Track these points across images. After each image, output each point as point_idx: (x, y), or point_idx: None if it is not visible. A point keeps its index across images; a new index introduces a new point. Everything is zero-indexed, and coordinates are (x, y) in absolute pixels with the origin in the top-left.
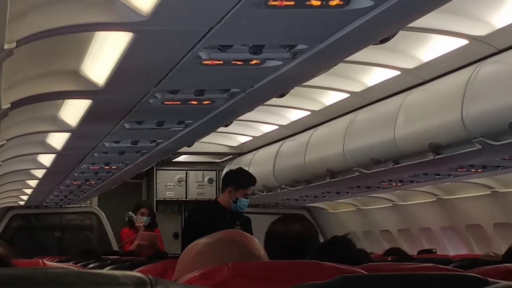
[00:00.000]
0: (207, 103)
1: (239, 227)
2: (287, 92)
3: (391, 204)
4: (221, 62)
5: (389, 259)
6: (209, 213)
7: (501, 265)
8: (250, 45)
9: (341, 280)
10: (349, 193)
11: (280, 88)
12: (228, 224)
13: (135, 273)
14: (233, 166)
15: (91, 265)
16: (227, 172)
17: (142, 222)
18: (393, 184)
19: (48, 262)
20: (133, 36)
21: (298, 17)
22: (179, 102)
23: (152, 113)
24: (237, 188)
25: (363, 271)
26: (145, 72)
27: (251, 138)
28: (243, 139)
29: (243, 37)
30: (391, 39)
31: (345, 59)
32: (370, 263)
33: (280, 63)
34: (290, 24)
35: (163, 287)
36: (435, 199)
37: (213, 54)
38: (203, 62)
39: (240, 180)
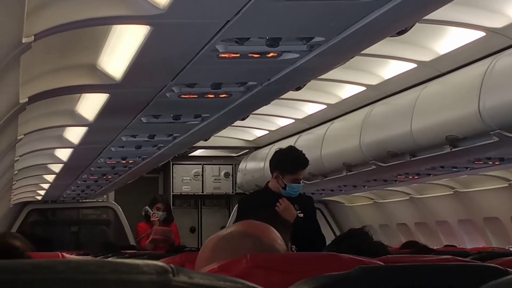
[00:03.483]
0: (224, 97)
1: (299, 211)
2: (304, 85)
3: (408, 197)
4: (238, 55)
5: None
6: (258, 201)
7: None
8: (267, 38)
9: (360, 271)
10: (366, 187)
11: (297, 81)
12: None
13: (157, 262)
14: (249, 160)
15: (109, 259)
16: (274, 153)
17: (157, 217)
18: (410, 177)
19: (67, 255)
20: (150, 29)
21: (315, 9)
22: (196, 96)
23: (168, 106)
24: (284, 173)
25: (382, 263)
26: (162, 66)
27: (267, 132)
28: (259, 133)
29: (260, 30)
30: (408, 30)
31: (361, 52)
32: (388, 256)
33: (297, 55)
34: (307, 16)
35: (185, 275)
36: (452, 192)
37: (230, 47)
38: (220, 55)
39: (287, 164)
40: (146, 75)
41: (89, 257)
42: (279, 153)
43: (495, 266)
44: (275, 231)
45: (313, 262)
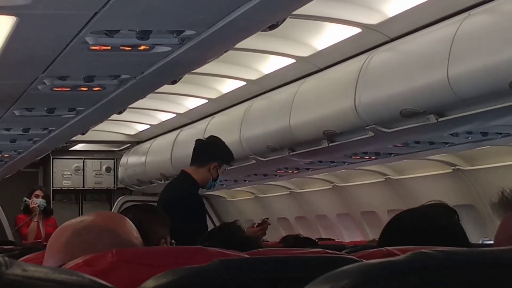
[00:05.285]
0: (97, 90)
1: None
2: (180, 79)
3: (288, 192)
4: (109, 47)
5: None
6: (197, 194)
7: (383, 248)
8: (137, 31)
9: (219, 263)
10: (247, 181)
11: (171, 74)
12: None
13: None
14: (130, 155)
15: None
16: (208, 144)
17: (37, 204)
18: (290, 171)
19: None
20: (16, 20)
21: (185, 2)
22: (69, 89)
23: (42, 99)
24: (222, 164)
25: (247, 256)
26: (31, 58)
27: (148, 126)
28: (140, 128)
29: (130, 22)
30: (279, 25)
31: (241, 47)
32: (259, 249)
33: (169, 49)
34: (177, 9)
35: (18, 267)
36: (331, 186)
37: (100, 39)
38: (91, 48)
39: (228, 155)
40: (15, 67)
41: None
42: (217, 142)
43: (351, 258)
44: (131, 223)
45: (179, 256)
